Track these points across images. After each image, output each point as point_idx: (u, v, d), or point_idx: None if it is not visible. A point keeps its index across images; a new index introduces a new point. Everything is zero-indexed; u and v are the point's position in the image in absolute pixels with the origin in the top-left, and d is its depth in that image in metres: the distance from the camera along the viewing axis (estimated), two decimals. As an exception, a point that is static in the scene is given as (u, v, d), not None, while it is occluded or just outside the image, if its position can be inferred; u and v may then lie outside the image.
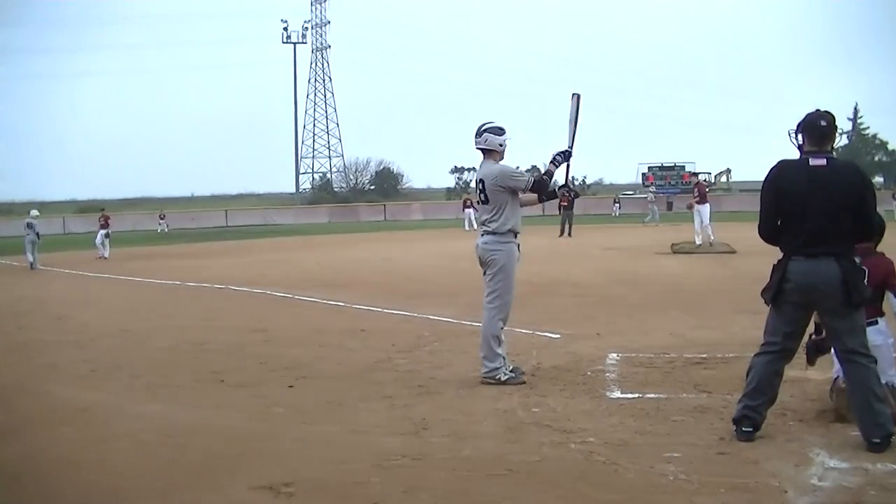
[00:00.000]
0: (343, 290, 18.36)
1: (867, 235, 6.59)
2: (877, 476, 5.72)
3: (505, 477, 5.94)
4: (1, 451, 7.13)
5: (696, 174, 40.94)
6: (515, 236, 9.07)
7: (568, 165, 9.15)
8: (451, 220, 63.12)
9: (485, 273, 9.22)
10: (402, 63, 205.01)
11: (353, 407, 8.09)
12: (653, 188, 61.35)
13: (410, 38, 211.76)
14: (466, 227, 50.09)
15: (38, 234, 30.77)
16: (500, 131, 9.05)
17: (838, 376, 6.92)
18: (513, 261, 9.01)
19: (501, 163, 9.08)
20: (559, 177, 9.36)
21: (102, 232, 34.55)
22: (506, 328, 9.13)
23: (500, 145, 9.06)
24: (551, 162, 9.11)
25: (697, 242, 27.97)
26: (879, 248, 7.13)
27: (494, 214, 8.97)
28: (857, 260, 6.62)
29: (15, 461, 6.83)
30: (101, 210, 39.42)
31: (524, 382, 8.71)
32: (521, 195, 9.03)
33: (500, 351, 8.92)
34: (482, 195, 9.03)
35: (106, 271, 26.61)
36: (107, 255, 33.89)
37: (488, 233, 9.04)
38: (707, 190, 31.18)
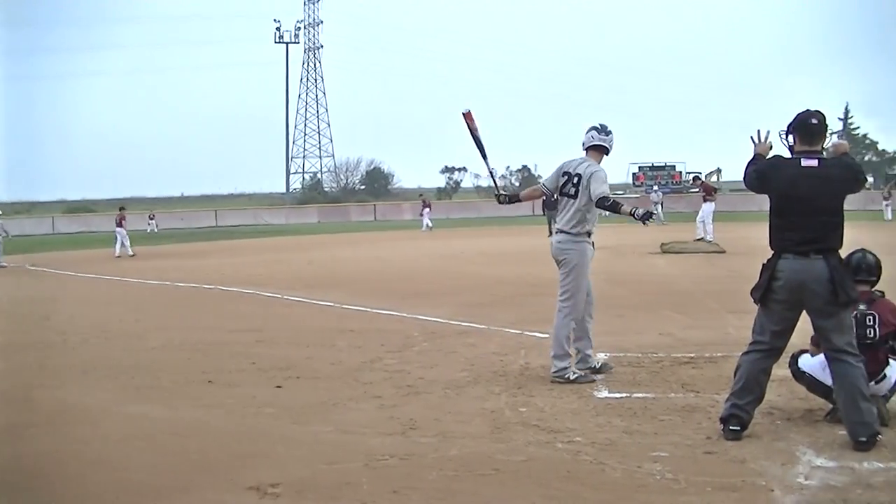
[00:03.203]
0: (333, 289, 18.33)
1: None
2: (863, 475, 5.75)
3: (492, 476, 5.95)
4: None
5: (698, 175, 41.15)
6: (589, 236, 9.06)
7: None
8: (442, 220, 63.14)
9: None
10: (393, 63, 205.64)
11: (342, 407, 8.08)
12: (658, 189, 61.22)
13: (402, 38, 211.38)
14: (423, 229, 49.96)
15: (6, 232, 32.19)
16: (609, 132, 9.13)
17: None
18: (585, 260, 9.01)
19: (601, 166, 9.04)
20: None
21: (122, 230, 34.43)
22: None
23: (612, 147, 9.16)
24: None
25: (698, 236, 28.84)
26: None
27: (575, 213, 8.96)
28: (863, 307, 6.73)
29: (8, 462, 6.83)
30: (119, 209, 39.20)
31: (593, 381, 8.72)
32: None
33: (570, 350, 8.93)
34: (574, 189, 8.96)
35: (95, 272, 26.51)
36: (117, 253, 33.95)
37: (563, 232, 9.03)
38: (715, 190, 31.72)
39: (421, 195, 60.47)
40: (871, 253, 7.27)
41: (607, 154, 9.10)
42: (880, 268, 7.23)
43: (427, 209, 52.62)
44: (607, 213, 8.92)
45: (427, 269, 23.58)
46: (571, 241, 8.95)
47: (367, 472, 6.11)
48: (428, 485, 5.84)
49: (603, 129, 9.04)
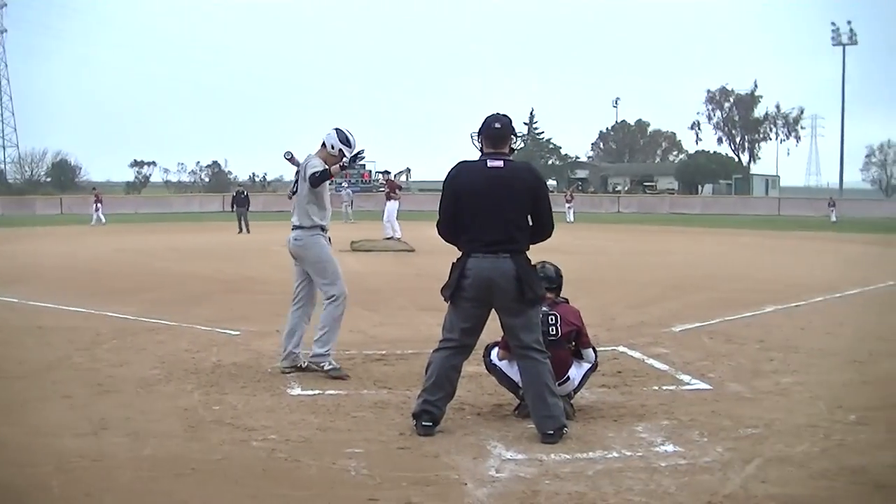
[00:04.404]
0: (19, 285, 17.28)
1: (543, 234, 6.93)
2: (550, 466, 6.04)
3: (189, 476, 5.85)
4: None
5: (387, 172, 42.04)
6: (323, 230, 9.05)
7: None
8: (131, 215, 61.46)
9: (296, 265, 9.28)
10: (83, 51, 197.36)
11: (31, 407, 7.70)
12: (348, 188, 61.67)
13: (92, 25, 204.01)
14: (94, 223, 49.02)
15: None
16: (343, 139, 9.03)
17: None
18: (326, 249, 9.02)
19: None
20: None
21: None
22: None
23: (332, 146, 9.03)
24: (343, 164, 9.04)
25: (387, 235, 29.33)
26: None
27: (301, 206, 8.99)
28: (545, 308, 7.02)
29: None
30: None
31: (347, 378, 8.71)
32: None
33: (335, 340, 8.94)
34: (296, 186, 9.09)
35: None
36: None
37: (298, 227, 9.03)
38: (399, 188, 32.51)
39: (94, 189, 58.69)
40: (551, 263, 7.66)
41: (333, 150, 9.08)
42: (561, 276, 7.64)
43: (99, 203, 51.33)
44: (329, 184, 8.99)
45: (116, 265, 22.73)
46: (306, 235, 9.01)
47: (59, 475, 5.85)
48: (122, 486, 5.68)
49: (343, 139, 9.04)
